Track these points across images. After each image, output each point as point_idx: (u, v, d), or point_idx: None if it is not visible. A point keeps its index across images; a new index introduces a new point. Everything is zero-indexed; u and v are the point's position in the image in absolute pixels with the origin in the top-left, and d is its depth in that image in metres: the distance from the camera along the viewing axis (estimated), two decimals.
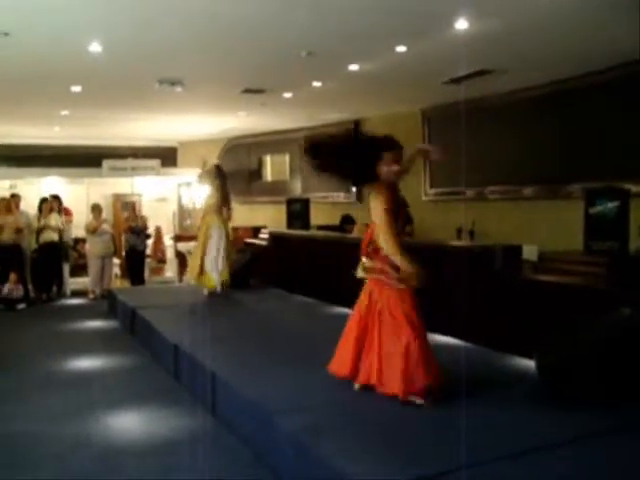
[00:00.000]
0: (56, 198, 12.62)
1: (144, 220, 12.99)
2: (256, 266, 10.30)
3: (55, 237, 11.89)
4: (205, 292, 9.34)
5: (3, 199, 11.31)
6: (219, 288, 9.31)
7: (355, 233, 10.21)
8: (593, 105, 8.93)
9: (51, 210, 11.98)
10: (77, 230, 13.06)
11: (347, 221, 11.48)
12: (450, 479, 3.40)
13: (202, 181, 10.10)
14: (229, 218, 9.65)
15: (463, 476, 3.39)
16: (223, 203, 9.54)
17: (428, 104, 11.72)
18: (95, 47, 7.47)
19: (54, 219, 11.92)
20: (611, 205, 5.33)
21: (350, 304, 8.27)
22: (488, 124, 10.56)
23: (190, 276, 9.69)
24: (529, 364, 5.16)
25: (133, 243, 12.64)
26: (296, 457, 4.07)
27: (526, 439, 3.88)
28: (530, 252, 6.32)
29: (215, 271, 9.29)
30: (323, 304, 8.78)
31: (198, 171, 14.15)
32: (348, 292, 8.37)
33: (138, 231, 12.69)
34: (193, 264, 9.50)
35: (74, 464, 4.52)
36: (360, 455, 3.72)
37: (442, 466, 3.50)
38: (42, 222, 11.78)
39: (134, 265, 12.82)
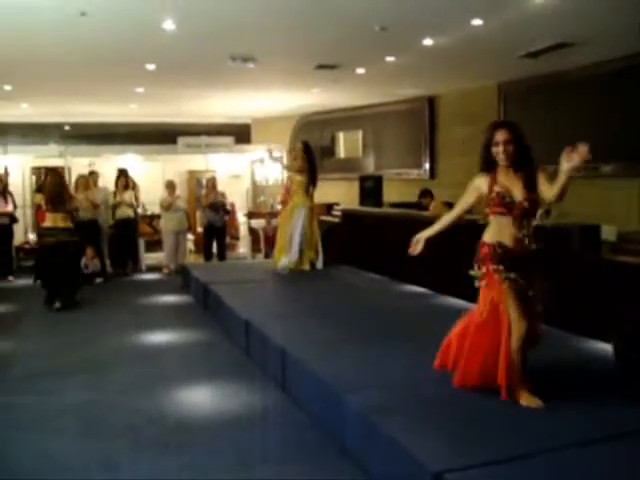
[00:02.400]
0: (122, 172, 12.67)
1: (223, 196, 13.08)
2: (329, 243, 10.28)
3: (130, 213, 12.14)
4: (284, 270, 9.36)
5: (82, 176, 11.56)
6: (303, 266, 9.38)
7: (431, 210, 10.04)
8: None
9: (126, 187, 12.20)
10: (152, 207, 13.30)
11: (425, 195, 11.28)
12: (515, 466, 3.33)
13: (290, 165, 10.04)
14: (311, 197, 9.65)
15: (528, 464, 3.33)
16: (311, 181, 9.55)
17: (504, 79, 11.43)
18: (169, 25, 7.53)
19: (128, 195, 12.15)
20: None
21: (422, 282, 8.29)
22: (565, 99, 10.24)
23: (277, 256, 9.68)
24: (606, 348, 5.01)
25: (211, 219, 12.74)
26: (363, 435, 4.07)
27: (596, 427, 3.77)
28: (609, 232, 6.11)
29: (296, 250, 9.35)
30: (395, 282, 8.71)
31: (276, 153, 14.36)
32: (420, 270, 8.37)
33: (217, 207, 12.78)
34: (281, 244, 9.55)
35: (147, 436, 4.62)
36: (427, 436, 3.68)
37: (508, 452, 3.45)
38: (117, 198, 12.05)
39: (212, 241, 12.95)
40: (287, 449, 4.35)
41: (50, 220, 9.04)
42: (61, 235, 8.92)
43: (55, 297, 8.93)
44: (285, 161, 12.66)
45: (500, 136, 4.21)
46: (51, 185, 9.26)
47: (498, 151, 4.20)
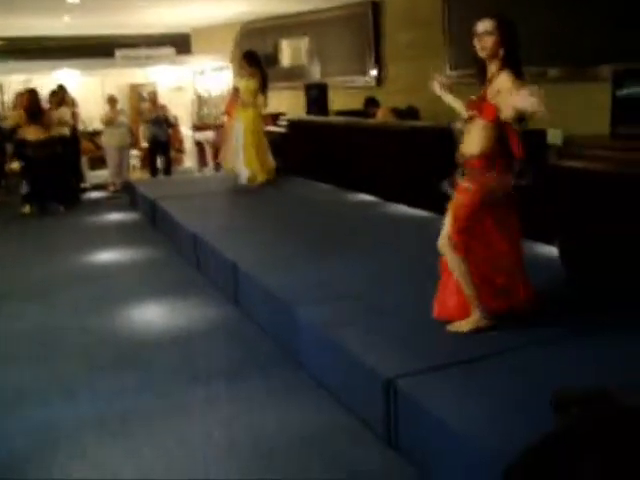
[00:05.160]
0: (61, 89, 12.20)
1: (165, 110, 12.76)
2: (275, 154, 10.18)
3: (66, 131, 11.73)
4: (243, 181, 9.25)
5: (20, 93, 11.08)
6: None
7: (379, 118, 9.97)
8: None
9: (60, 103, 11.74)
10: (93, 123, 12.94)
11: (371, 103, 11.18)
12: (465, 368, 3.44)
13: (240, 74, 9.73)
14: (265, 105, 9.44)
15: (478, 366, 3.43)
16: (261, 91, 9.31)
17: None
18: None
19: (62, 112, 11.71)
20: None
21: (370, 190, 8.30)
22: (510, 2, 10.10)
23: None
24: (552, 251, 5.12)
25: (155, 134, 12.47)
26: (316, 347, 4.13)
27: (547, 328, 3.88)
28: (554, 136, 6.14)
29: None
30: (344, 191, 8.69)
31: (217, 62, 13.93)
32: (369, 178, 8.37)
33: (160, 121, 12.50)
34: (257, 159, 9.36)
35: (101, 357, 4.63)
36: (378, 345, 3.76)
37: (457, 356, 3.55)
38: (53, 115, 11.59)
39: (156, 156, 12.71)
40: (241, 363, 4.40)
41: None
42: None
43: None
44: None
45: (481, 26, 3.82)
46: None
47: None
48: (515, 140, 3.81)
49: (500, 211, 3.90)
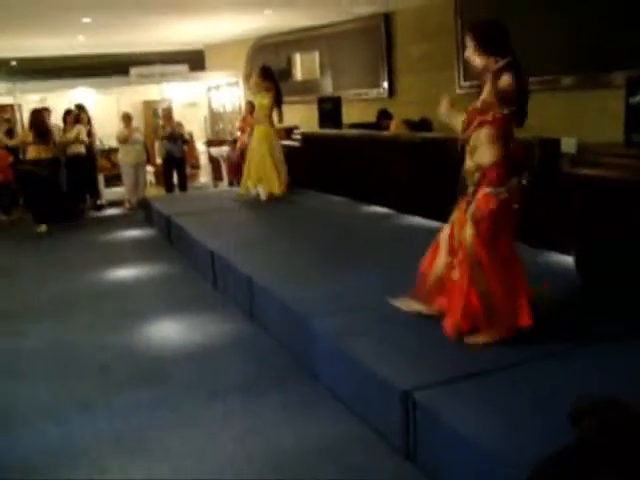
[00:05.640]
0: (81, 108, 12.45)
1: (180, 126, 12.83)
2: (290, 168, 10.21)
3: (82, 149, 11.84)
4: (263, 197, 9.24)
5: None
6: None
7: (392, 130, 9.98)
8: None
9: (76, 122, 11.88)
10: (109, 140, 13.04)
11: (384, 116, 11.20)
12: (480, 381, 3.42)
13: (254, 90, 9.73)
14: (280, 120, 9.48)
15: (494, 378, 3.42)
16: (276, 106, 9.35)
17: None
18: None
19: (76, 131, 11.83)
20: None
21: (385, 203, 8.30)
22: (524, 11, 10.09)
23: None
24: (567, 260, 5.09)
25: (170, 150, 12.51)
26: (332, 359, 4.12)
27: (561, 339, 3.86)
28: (569, 144, 6.12)
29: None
30: (359, 204, 8.69)
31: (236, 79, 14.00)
32: (383, 190, 8.37)
33: (175, 138, 12.56)
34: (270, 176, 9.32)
35: (118, 373, 4.64)
36: (394, 356, 3.75)
37: (473, 368, 3.53)
38: (67, 134, 11.72)
39: (172, 173, 12.76)
40: (257, 377, 4.40)
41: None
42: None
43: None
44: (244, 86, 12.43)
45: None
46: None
47: None
48: (515, 142, 3.82)
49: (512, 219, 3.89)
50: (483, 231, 3.77)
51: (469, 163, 3.89)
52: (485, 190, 3.78)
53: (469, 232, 3.82)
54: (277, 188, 9.17)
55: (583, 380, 3.31)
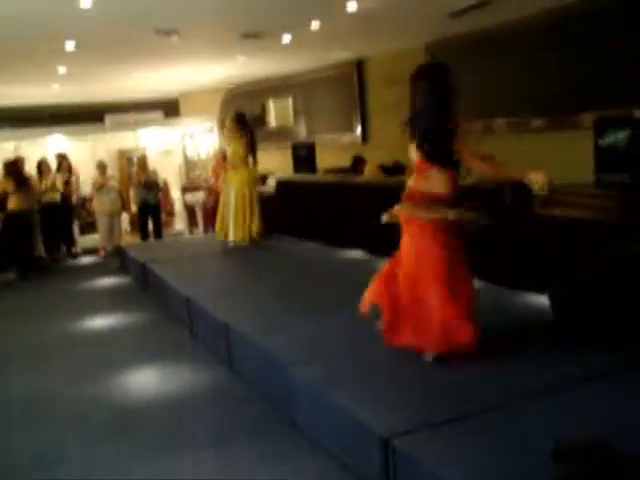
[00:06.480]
0: (63, 157, 12.53)
1: (156, 174, 12.81)
2: (265, 214, 10.22)
3: (57, 197, 11.82)
4: (231, 243, 9.25)
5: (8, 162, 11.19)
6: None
7: (366, 174, 10.06)
8: (597, 30, 8.66)
9: (58, 169, 11.92)
10: (85, 188, 13.01)
11: (359, 162, 11.31)
12: (455, 426, 3.39)
13: (228, 136, 9.76)
14: (254, 165, 9.49)
15: (472, 422, 3.41)
16: (251, 151, 9.39)
17: (431, 39, 11.44)
18: (85, 2, 7.26)
19: (53, 179, 11.82)
20: (622, 135, 5.17)
21: (360, 246, 8.32)
22: (494, 55, 10.32)
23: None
24: (542, 300, 5.11)
25: (145, 198, 12.46)
26: (311, 407, 4.09)
27: (537, 379, 3.86)
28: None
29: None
30: (334, 249, 8.70)
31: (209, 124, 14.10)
32: (359, 234, 8.40)
33: (150, 185, 12.52)
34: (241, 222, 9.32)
35: (94, 423, 4.57)
36: (373, 403, 3.72)
37: (452, 412, 3.50)
38: (43, 183, 11.68)
39: (147, 220, 12.70)
40: (234, 427, 4.34)
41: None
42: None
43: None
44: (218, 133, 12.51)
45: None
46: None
47: None
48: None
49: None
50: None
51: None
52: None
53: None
54: (250, 234, 9.18)
55: (562, 420, 3.30)
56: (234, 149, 9.37)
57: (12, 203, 10.38)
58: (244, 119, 9.57)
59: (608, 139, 5.21)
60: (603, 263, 4.32)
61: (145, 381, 5.35)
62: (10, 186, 10.42)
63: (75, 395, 5.11)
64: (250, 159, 9.37)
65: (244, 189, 9.22)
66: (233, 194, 9.22)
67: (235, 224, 9.19)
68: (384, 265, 4.55)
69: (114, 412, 4.73)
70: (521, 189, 5.85)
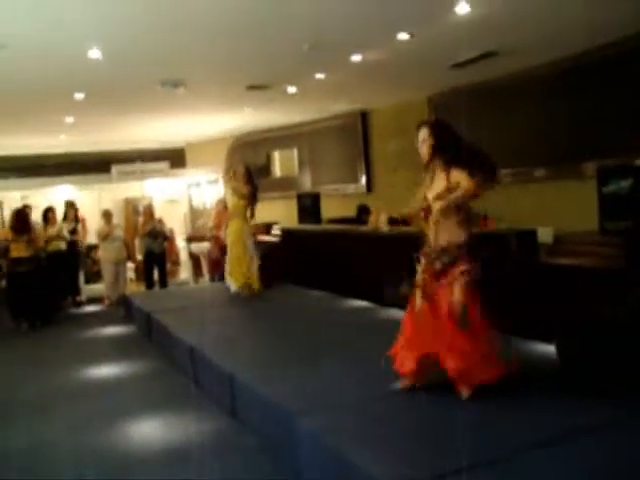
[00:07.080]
0: (70, 205, 12.62)
1: (161, 223, 12.85)
2: (269, 264, 10.24)
3: (62, 245, 11.87)
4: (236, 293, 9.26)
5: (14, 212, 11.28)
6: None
7: (372, 221, 10.07)
8: (600, 81, 8.79)
9: (64, 218, 12.00)
10: (90, 237, 13.07)
11: (364, 211, 11.37)
12: (464, 477, 3.34)
13: (234, 188, 9.83)
14: (252, 216, 9.56)
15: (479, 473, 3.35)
16: (251, 203, 9.47)
17: (434, 91, 11.60)
18: (94, 54, 7.41)
19: (59, 227, 11.90)
20: (624, 183, 5.21)
21: (366, 296, 8.32)
22: (496, 107, 10.45)
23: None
24: (549, 349, 5.08)
25: (150, 247, 12.46)
26: (317, 458, 4.03)
27: (546, 429, 3.81)
28: (545, 234, 6.23)
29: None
30: (339, 298, 8.70)
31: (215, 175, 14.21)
32: (363, 284, 8.40)
33: (155, 234, 12.54)
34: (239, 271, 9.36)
35: (96, 475, 4.50)
36: (382, 454, 3.67)
37: (458, 463, 3.44)
38: (48, 231, 11.75)
39: (152, 269, 12.70)
40: (240, 477, 4.28)
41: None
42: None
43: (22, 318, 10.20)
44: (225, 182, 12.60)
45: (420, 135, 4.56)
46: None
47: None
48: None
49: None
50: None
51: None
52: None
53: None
54: (250, 283, 9.20)
55: (570, 472, 3.26)
56: (236, 204, 9.44)
57: (14, 251, 10.38)
58: (252, 174, 9.66)
59: (611, 187, 5.25)
60: (609, 311, 4.30)
61: (149, 432, 5.30)
62: (10, 234, 10.44)
63: (78, 447, 5.04)
64: (248, 213, 9.43)
65: (241, 238, 9.26)
66: (230, 244, 9.29)
67: (233, 273, 9.24)
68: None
69: (118, 464, 4.66)
70: (527, 237, 5.90)
